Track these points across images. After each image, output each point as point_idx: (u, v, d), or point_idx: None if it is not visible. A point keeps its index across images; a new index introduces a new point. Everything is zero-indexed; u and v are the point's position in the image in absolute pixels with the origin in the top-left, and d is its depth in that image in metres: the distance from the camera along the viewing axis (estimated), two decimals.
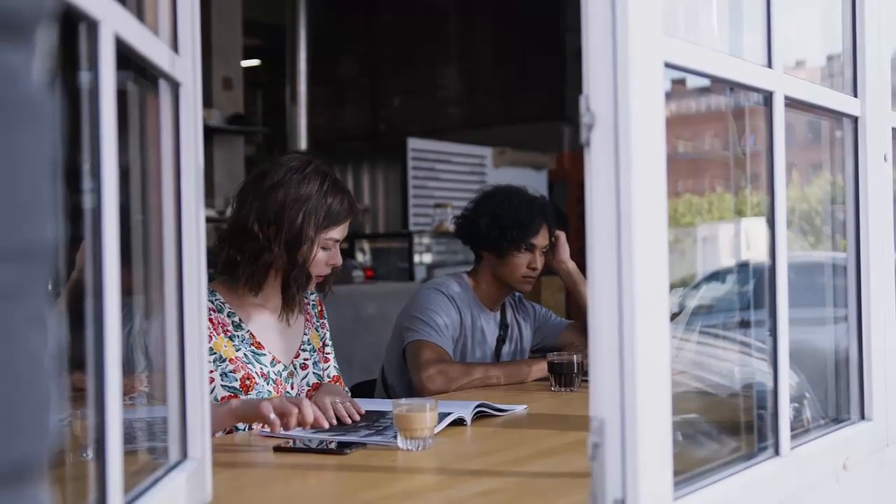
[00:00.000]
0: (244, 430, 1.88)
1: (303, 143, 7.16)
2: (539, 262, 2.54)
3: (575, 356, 2.27)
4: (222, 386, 1.89)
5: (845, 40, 1.55)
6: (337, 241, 1.98)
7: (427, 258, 6.46)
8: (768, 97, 1.27)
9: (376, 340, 4.31)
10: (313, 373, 2.07)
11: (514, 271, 2.53)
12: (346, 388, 2.16)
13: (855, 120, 1.54)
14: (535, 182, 6.02)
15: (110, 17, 0.81)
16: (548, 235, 2.57)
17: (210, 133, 6.22)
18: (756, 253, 1.51)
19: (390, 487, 1.40)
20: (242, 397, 1.88)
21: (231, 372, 1.90)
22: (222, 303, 1.95)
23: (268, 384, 1.94)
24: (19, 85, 0.48)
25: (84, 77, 0.80)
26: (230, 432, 1.86)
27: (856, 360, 1.55)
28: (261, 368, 1.94)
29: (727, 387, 1.62)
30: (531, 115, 7.64)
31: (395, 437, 1.59)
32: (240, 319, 1.96)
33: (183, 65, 1.11)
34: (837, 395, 1.59)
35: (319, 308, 2.16)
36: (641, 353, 0.95)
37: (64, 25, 0.67)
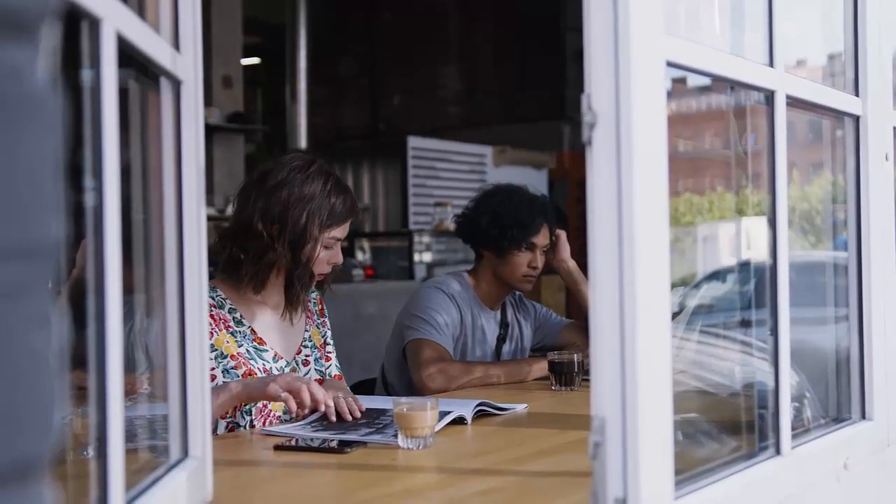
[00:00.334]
0: (245, 426, 1.88)
1: (303, 142, 7.16)
2: (539, 262, 2.54)
3: (575, 355, 2.27)
4: (225, 383, 1.89)
5: (847, 39, 1.55)
6: (339, 239, 1.99)
7: (427, 257, 6.46)
8: (770, 96, 1.27)
9: (376, 339, 4.31)
10: (315, 369, 2.07)
11: (514, 270, 2.53)
12: (347, 388, 2.16)
13: (856, 119, 1.54)
14: (535, 181, 6.02)
15: (112, 14, 0.81)
16: (548, 234, 2.57)
17: (210, 131, 6.22)
18: (756, 252, 1.50)
19: (391, 486, 1.40)
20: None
21: (233, 368, 1.90)
22: (223, 299, 1.96)
23: None
24: (23, 83, 0.48)
25: (86, 75, 0.80)
26: (232, 429, 1.86)
27: (856, 359, 1.55)
28: (263, 364, 1.95)
29: (728, 386, 1.62)
30: (531, 115, 7.64)
31: (396, 435, 1.59)
32: (241, 316, 1.97)
33: (184, 63, 1.11)
34: (838, 395, 1.59)
35: (320, 307, 2.17)
36: (642, 351, 0.94)
37: (66, 23, 0.67)
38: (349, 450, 1.57)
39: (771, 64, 1.27)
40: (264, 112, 8.56)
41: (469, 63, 8.27)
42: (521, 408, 1.99)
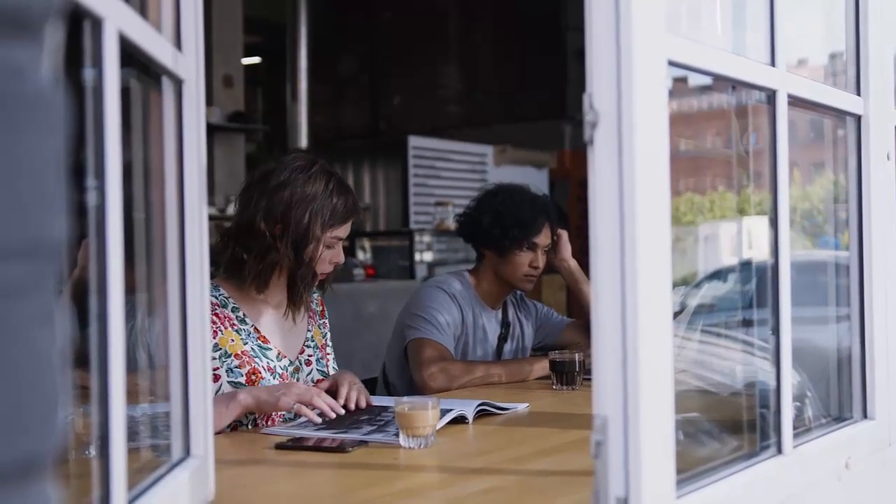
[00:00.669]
0: (247, 426, 1.88)
1: (303, 142, 7.16)
2: (541, 261, 2.54)
3: (577, 354, 2.28)
4: (228, 382, 1.89)
5: (848, 39, 1.55)
6: (341, 239, 1.99)
7: (428, 256, 6.46)
8: (771, 95, 1.27)
9: (377, 339, 4.31)
10: (317, 369, 2.08)
11: (515, 270, 2.53)
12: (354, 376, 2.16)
13: (858, 118, 1.54)
14: (535, 180, 6.03)
15: (114, 14, 0.81)
16: (550, 234, 2.57)
17: (211, 131, 6.22)
18: (758, 252, 1.50)
19: (392, 485, 1.40)
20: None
21: (237, 367, 1.90)
22: (226, 298, 1.96)
23: (274, 378, 1.95)
24: (27, 82, 0.48)
25: (88, 74, 0.80)
26: (235, 428, 1.86)
27: (858, 358, 1.55)
28: (268, 363, 1.95)
29: (729, 385, 1.62)
30: (532, 114, 7.64)
31: (397, 434, 1.59)
32: (244, 314, 1.97)
33: (186, 62, 1.11)
34: (840, 394, 1.59)
35: (321, 308, 2.17)
36: (644, 350, 0.95)
37: (68, 23, 0.67)
38: (350, 449, 1.57)
39: (772, 63, 1.27)
40: (265, 111, 8.57)
41: (469, 62, 8.27)
42: (522, 407, 1.99)
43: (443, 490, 1.39)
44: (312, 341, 2.09)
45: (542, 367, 2.40)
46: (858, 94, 1.54)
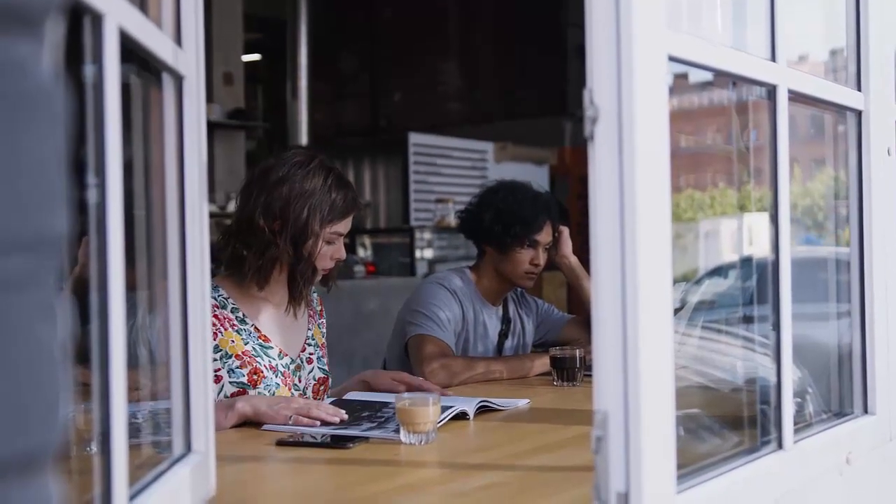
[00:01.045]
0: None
1: (303, 139, 7.16)
2: (542, 259, 2.54)
3: (577, 351, 2.28)
4: (230, 382, 1.90)
5: (849, 34, 1.54)
6: (341, 234, 1.99)
7: (428, 253, 6.46)
8: (772, 91, 1.27)
9: (377, 336, 4.32)
10: (318, 367, 2.08)
11: (516, 267, 2.53)
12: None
13: (858, 114, 1.54)
14: (536, 177, 6.02)
15: (115, 10, 0.81)
16: (551, 232, 2.56)
17: (211, 128, 6.22)
18: (758, 248, 1.50)
19: (393, 481, 1.40)
20: (251, 392, 1.88)
21: (238, 368, 1.90)
22: (225, 298, 1.96)
23: (276, 377, 1.95)
24: (28, 77, 0.48)
25: (88, 70, 0.80)
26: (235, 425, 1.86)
27: (859, 354, 1.55)
28: (269, 361, 1.95)
29: (730, 382, 1.62)
30: (532, 111, 7.64)
31: (398, 430, 1.60)
32: (244, 315, 1.97)
33: (186, 58, 1.11)
34: (840, 390, 1.59)
35: (321, 307, 2.17)
36: (644, 346, 0.95)
37: (69, 18, 0.67)
38: (351, 445, 1.57)
39: (773, 58, 1.27)
40: (265, 109, 8.56)
41: (470, 59, 8.26)
42: (522, 403, 1.99)
43: (443, 486, 1.39)
44: (313, 340, 2.10)
45: (542, 363, 2.40)
46: (859, 89, 1.54)
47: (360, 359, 4.72)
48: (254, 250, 1.92)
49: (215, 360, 1.88)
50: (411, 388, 1.98)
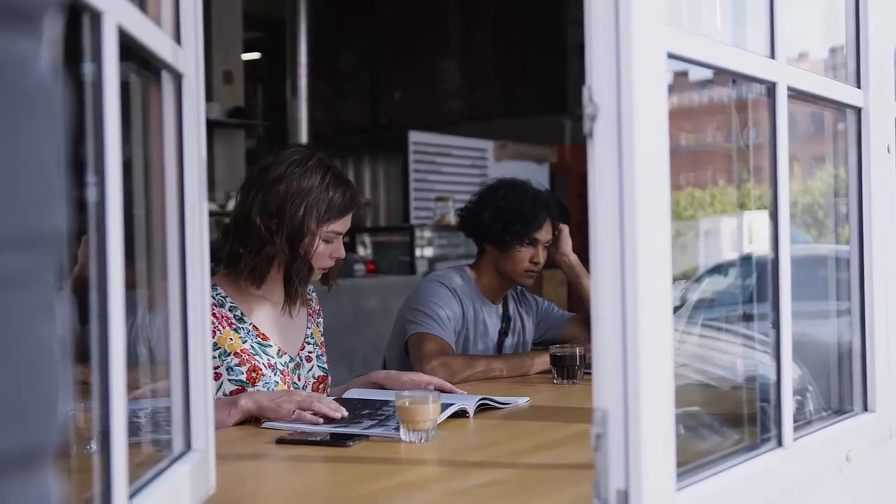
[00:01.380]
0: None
1: (303, 137, 7.16)
2: (541, 257, 2.54)
3: (577, 349, 2.28)
4: (229, 380, 1.90)
5: (849, 31, 1.54)
6: (339, 233, 1.98)
7: (428, 252, 6.46)
8: (771, 88, 1.27)
9: (377, 334, 4.32)
10: (318, 366, 2.08)
11: (516, 265, 2.53)
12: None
13: (858, 111, 1.54)
14: (536, 175, 6.02)
15: (114, 8, 0.81)
16: (551, 230, 2.57)
17: (211, 127, 6.22)
18: (758, 246, 1.51)
19: (392, 479, 1.41)
20: (250, 389, 1.88)
21: (237, 366, 1.90)
22: (223, 297, 1.96)
23: (275, 375, 1.95)
24: (27, 73, 0.48)
25: (87, 68, 0.80)
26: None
27: (859, 352, 1.55)
28: (268, 360, 1.95)
29: (730, 379, 1.62)
30: (532, 109, 7.64)
31: (398, 428, 1.60)
32: (242, 313, 1.97)
33: (185, 56, 1.11)
34: (840, 387, 1.59)
35: (318, 307, 2.18)
36: (644, 343, 0.95)
37: (67, 17, 0.66)
38: (351, 443, 1.57)
39: (772, 56, 1.26)
40: (265, 107, 8.56)
41: (470, 57, 8.26)
42: (522, 401, 1.99)
43: (443, 484, 1.39)
44: (312, 338, 2.10)
45: (542, 361, 2.40)
46: (858, 86, 1.53)
47: (360, 357, 4.72)
48: (250, 248, 1.92)
49: (214, 358, 1.88)
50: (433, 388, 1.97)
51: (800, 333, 1.34)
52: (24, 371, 0.48)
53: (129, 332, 0.87)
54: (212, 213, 5.58)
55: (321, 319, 2.17)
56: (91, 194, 0.80)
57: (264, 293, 2.00)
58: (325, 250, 1.97)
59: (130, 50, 0.90)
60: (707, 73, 1.30)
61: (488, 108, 8.01)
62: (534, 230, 2.51)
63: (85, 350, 0.81)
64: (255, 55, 8.62)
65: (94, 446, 0.85)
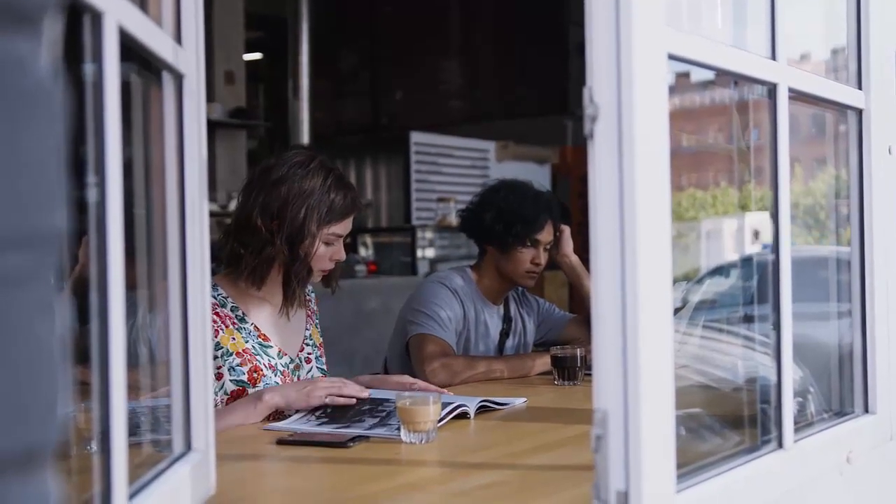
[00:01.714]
0: None
1: (305, 138, 7.16)
2: (543, 258, 2.54)
3: (578, 350, 2.28)
4: (231, 380, 1.90)
5: (850, 33, 1.54)
6: (340, 236, 1.99)
7: (430, 252, 6.46)
8: (772, 89, 1.27)
9: (378, 335, 4.31)
10: (317, 367, 2.08)
11: (517, 266, 2.53)
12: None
13: (859, 112, 1.54)
14: (537, 176, 6.03)
15: (114, 8, 0.81)
16: (552, 231, 2.56)
17: (212, 127, 6.22)
18: (759, 247, 1.50)
19: (393, 480, 1.41)
20: (251, 390, 1.89)
21: (238, 366, 1.91)
22: (225, 297, 1.96)
23: (275, 376, 1.95)
24: (27, 74, 0.48)
25: (88, 69, 0.80)
26: None
27: (860, 353, 1.55)
28: (269, 360, 1.96)
29: (731, 381, 1.62)
30: (533, 110, 7.64)
31: (399, 429, 1.60)
32: (243, 313, 1.97)
33: (186, 56, 1.11)
34: (841, 389, 1.59)
35: (315, 308, 2.18)
36: (644, 345, 0.95)
37: (68, 17, 0.66)
38: (352, 444, 1.57)
39: (773, 57, 1.26)
40: (266, 108, 8.56)
41: (471, 58, 8.26)
42: (520, 402, 1.99)
43: (444, 485, 1.39)
44: (311, 340, 2.10)
45: (543, 362, 2.40)
46: (860, 88, 1.53)
47: (361, 358, 4.72)
48: (251, 249, 1.92)
49: (216, 357, 1.88)
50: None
51: (801, 335, 1.34)
52: (23, 371, 0.48)
53: (129, 333, 0.87)
54: (213, 214, 5.58)
55: (317, 321, 2.17)
56: (92, 194, 0.80)
57: (264, 294, 2.00)
58: (326, 252, 1.97)
59: (131, 50, 0.91)
60: (709, 74, 1.30)
61: (489, 109, 8.01)
62: (535, 231, 2.51)
63: (85, 350, 0.81)
64: (257, 55, 8.63)
65: (94, 447, 0.85)
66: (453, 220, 6.24)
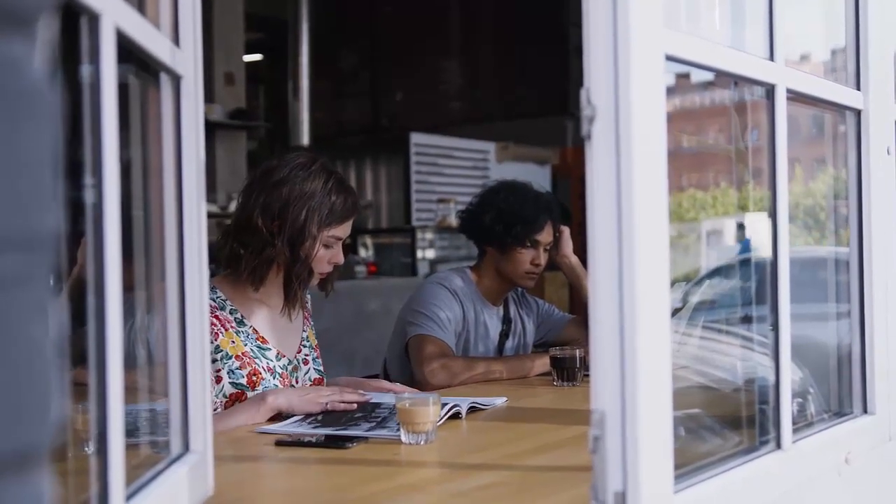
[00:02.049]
0: None
1: (305, 139, 7.16)
2: (542, 259, 2.54)
3: (577, 351, 2.28)
4: (230, 383, 1.90)
5: (848, 34, 1.54)
6: (339, 239, 1.99)
7: (430, 253, 6.46)
8: (770, 90, 1.27)
9: (378, 336, 4.31)
10: (314, 368, 2.09)
11: (517, 267, 2.53)
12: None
13: (858, 113, 1.54)
14: (538, 177, 6.03)
15: (111, 9, 0.81)
16: (552, 232, 2.56)
17: (212, 128, 6.22)
18: (759, 248, 1.50)
19: (392, 481, 1.40)
20: (250, 393, 1.89)
21: (238, 369, 1.91)
22: (224, 300, 1.96)
23: (274, 378, 1.96)
24: (23, 75, 0.48)
25: (85, 70, 0.80)
26: None
27: (858, 354, 1.55)
28: (267, 363, 1.96)
29: (730, 381, 1.62)
30: (533, 111, 7.64)
31: (398, 430, 1.60)
32: (242, 316, 1.97)
33: (184, 58, 1.11)
34: (840, 390, 1.59)
35: (310, 310, 2.19)
36: (642, 345, 0.94)
37: (65, 18, 0.67)
38: (351, 445, 1.57)
39: (771, 58, 1.26)
40: (266, 109, 8.57)
41: (471, 58, 8.26)
42: (500, 401, 1.99)
43: (443, 486, 1.39)
44: (308, 341, 2.10)
45: (542, 363, 2.40)
46: (858, 88, 1.53)
47: (361, 358, 4.72)
48: (251, 250, 1.93)
49: (216, 360, 1.89)
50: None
51: (800, 336, 1.34)
52: (19, 372, 0.48)
53: (127, 334, 0.87)
54: (213, 215, 5.58)
55: (312, 322, 2.18)
56: (89, 196, 0.80)
57: (262, 296, 2.00)
58: (325, 255, 1.97)
59: (129, 52, 0.91)
60: (709, 75, 1.30)
61: (489, 110, 8.02)
62: (535, 232, 2.51)
63: (83, 352, 0.81)
64: (257, 56, 8.63)
65: (92, 448, 0.85)
66: (453, 221, 6.24)
